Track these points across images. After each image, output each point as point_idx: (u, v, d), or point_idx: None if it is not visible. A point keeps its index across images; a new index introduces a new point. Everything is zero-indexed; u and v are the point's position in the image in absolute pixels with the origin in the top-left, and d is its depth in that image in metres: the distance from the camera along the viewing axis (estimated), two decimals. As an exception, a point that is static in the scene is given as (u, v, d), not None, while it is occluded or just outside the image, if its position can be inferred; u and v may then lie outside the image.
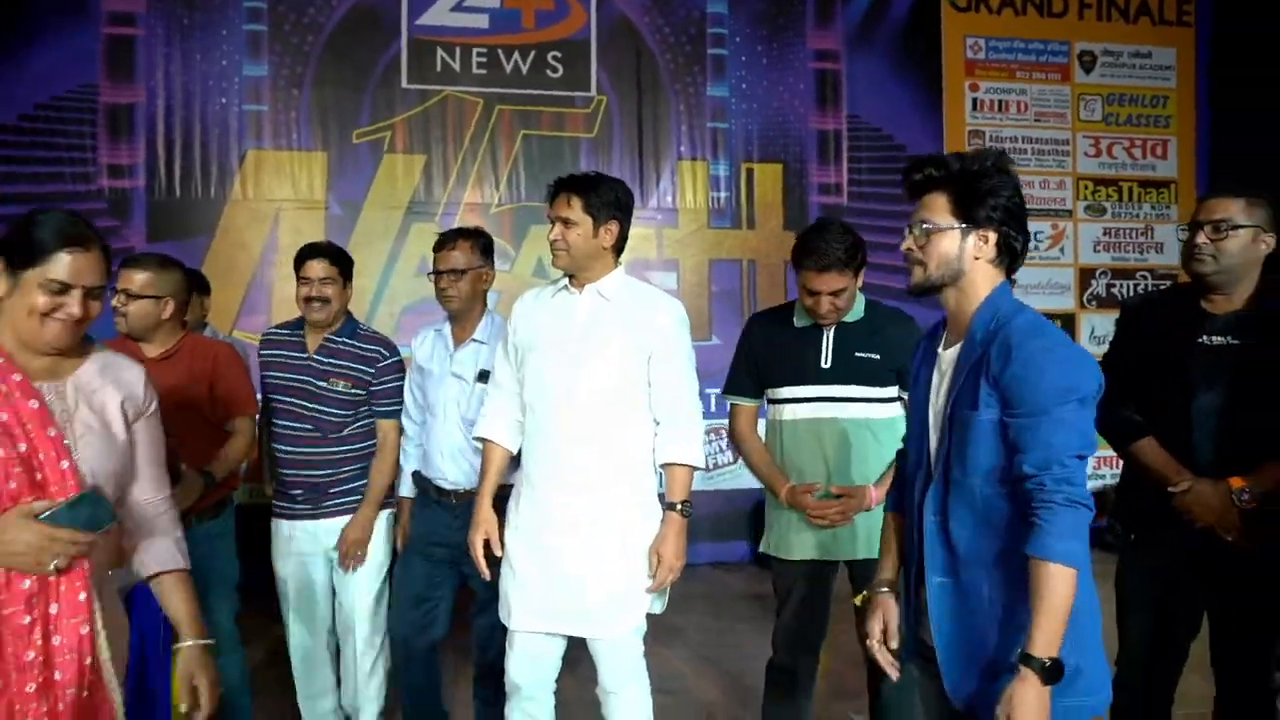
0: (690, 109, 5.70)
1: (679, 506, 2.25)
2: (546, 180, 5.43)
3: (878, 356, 2.48)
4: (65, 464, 1.46)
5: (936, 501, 1.61)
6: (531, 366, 2.31)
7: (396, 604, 2.74)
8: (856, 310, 2.54)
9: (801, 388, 2.51)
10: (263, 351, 2.93)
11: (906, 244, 1.64)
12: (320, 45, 5.26)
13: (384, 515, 2.83)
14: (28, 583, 1.43)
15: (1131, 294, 5.99)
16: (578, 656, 2.39)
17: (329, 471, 2.79)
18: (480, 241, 2.73)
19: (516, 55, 5.48)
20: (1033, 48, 6.15)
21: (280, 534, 2.86)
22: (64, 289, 1.49)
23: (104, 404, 1.58)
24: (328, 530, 2.82)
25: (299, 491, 2.82)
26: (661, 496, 2.31)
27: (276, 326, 3.02)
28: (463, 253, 2.68)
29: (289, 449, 2.82)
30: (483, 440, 2.40)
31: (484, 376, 2.63)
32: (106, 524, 1.47)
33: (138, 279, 2.58)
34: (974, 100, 6.05)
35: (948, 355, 1.65)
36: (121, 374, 1.62)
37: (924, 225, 1.61)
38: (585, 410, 2.23)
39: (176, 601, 1.68)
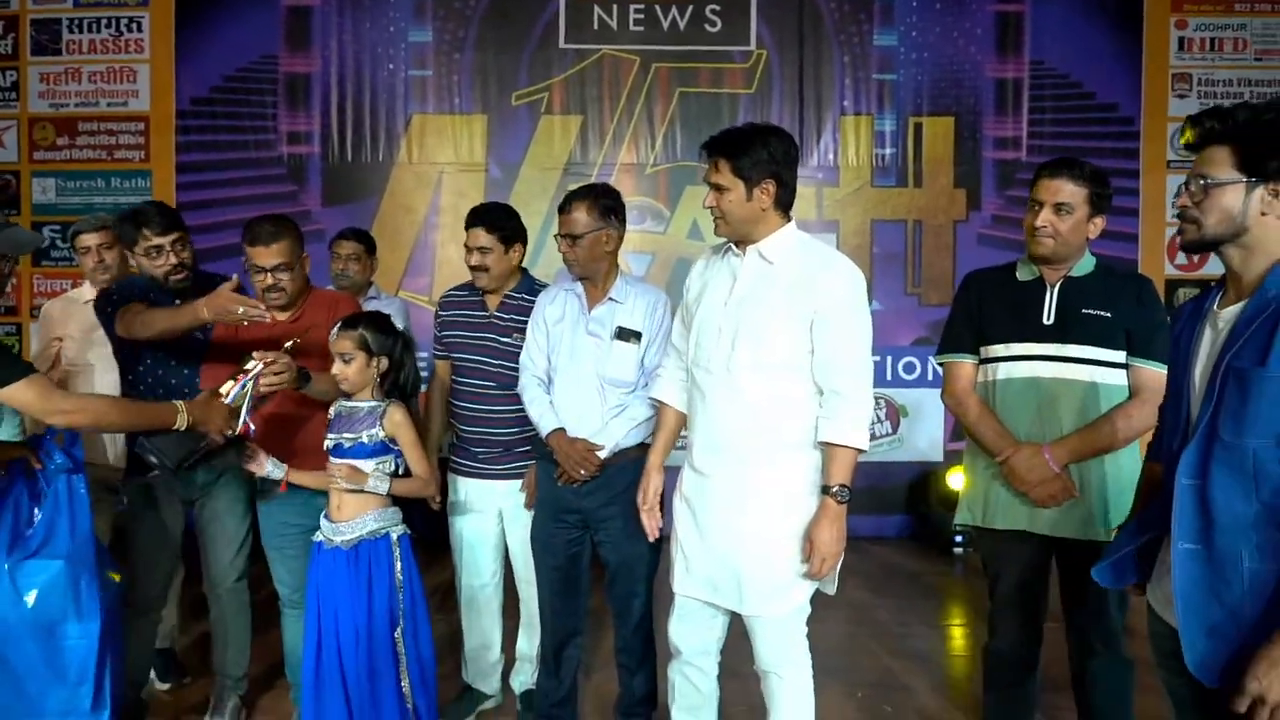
0: (855, 60, 5.40)
1: (835, 490, 2.09)
2: (704, 138, 5.37)
3: (1108, 315, 2.28)
4: None
5: (1193, 464, 1.51)
6: (693, 333, 2.24)
7: (542, 578, 2.74)
8: (1085, 264, 2.35)
9: (1019, 345, 2.33)
10: (442, 312, 2.99)
11: (1181, 200, 1.57)
12: (481, 8, 5.32)
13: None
14: None
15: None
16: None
17: (514, 430, 2.81)
18: (601, 203, 2.63)
19: (674, 10, 5.34)
20: (1256, -25, 5.43)
21: (458, 491, 2.94)
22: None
23: None
24: (504, 492, 2.87)
25: (481, 450, 2.87)
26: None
27: (455, 288, 3.06)
28: (580, 215, 2.60)
29: (473, 406, 2.86)
30: (657, 401, 2.39)
31: (621, 334, 2.58)
32: None
33: (279, 249, 2.57)
34: (1180, 40, 5.41)
35: (1226, 313, 1.56)
36: None
37: (1201, 180, 1.54)
38: (743, 380, 2.12)
39: None
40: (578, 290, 2.68)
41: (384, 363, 2.44)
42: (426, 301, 5.19)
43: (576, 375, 2.60)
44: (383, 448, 2.42)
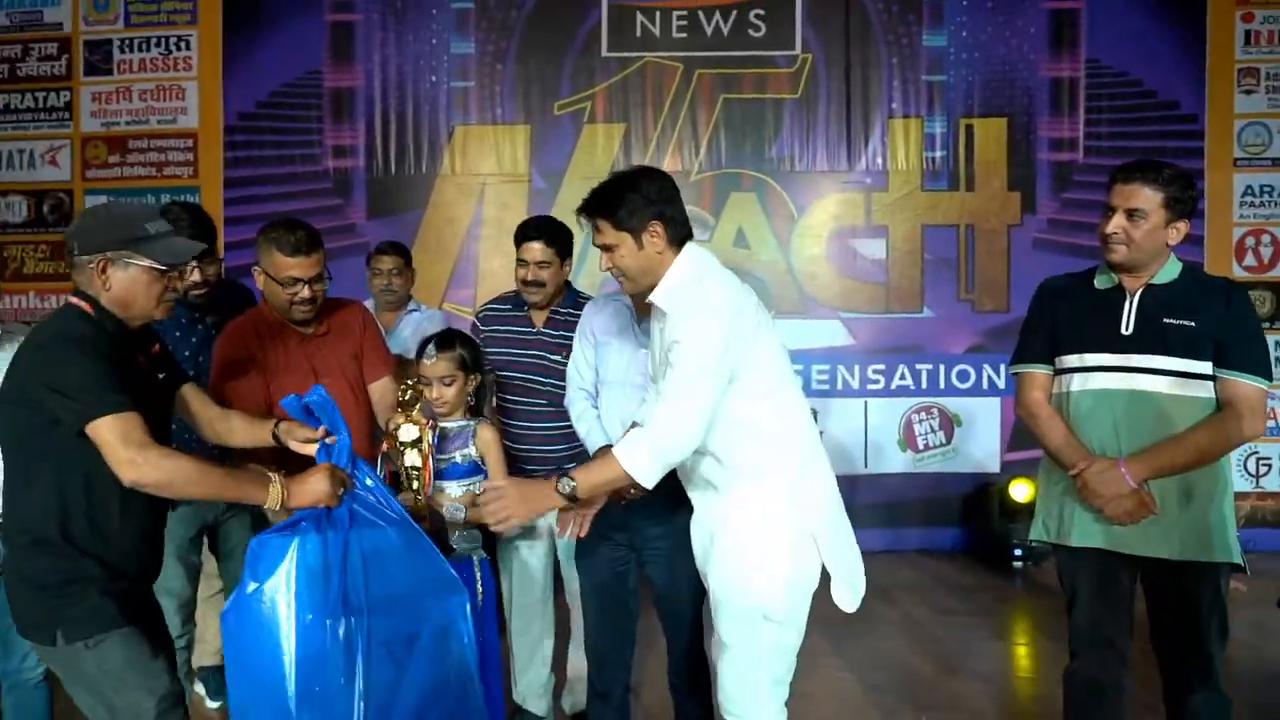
0: (903, 62, 5.27)
1: (572, 486, 1.99)
2: (748, 145, 5.33)
3: (1192, 324, 2.15)
4: None
5: None
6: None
7: (586, 597, 2.67)
8: (1169, 271, 2.23)
9: (1095, 355, 2.23)
10: (483, 328, 2.94)
11: None
12: (523, 18, 5.29)
13: None
14: None
15: None
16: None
17: (567, 447, 2.75)
18: None
19: (718, 16, 5.27)
20: (1330, -39, 5.20)
21: None
22: None
23: None
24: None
25: (533, 467, 2.80)
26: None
27: (493, 301, 3.01)
28: None
29: (525, 425, 2.80)
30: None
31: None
32: None
33: (319, 258, 2.44)
34: (1247, 33, 5.20)
35: None
36: None
37: None
38: None
39: None
40: (627, 301, 2.61)
41: (476, 380, 2.39)
42: (471, 313, 5.16)
43: (626, 389, 2.53)
44: (474, 468, 2.36)
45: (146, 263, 1.91)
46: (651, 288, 2.08)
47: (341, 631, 1.94)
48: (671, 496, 2.42)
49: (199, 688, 3.25)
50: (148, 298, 1.94)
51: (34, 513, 1.88)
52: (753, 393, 2.02)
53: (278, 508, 1.94)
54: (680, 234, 2.07)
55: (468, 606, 2.07)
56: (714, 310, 1.98)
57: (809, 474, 2.08)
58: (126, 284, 1.91)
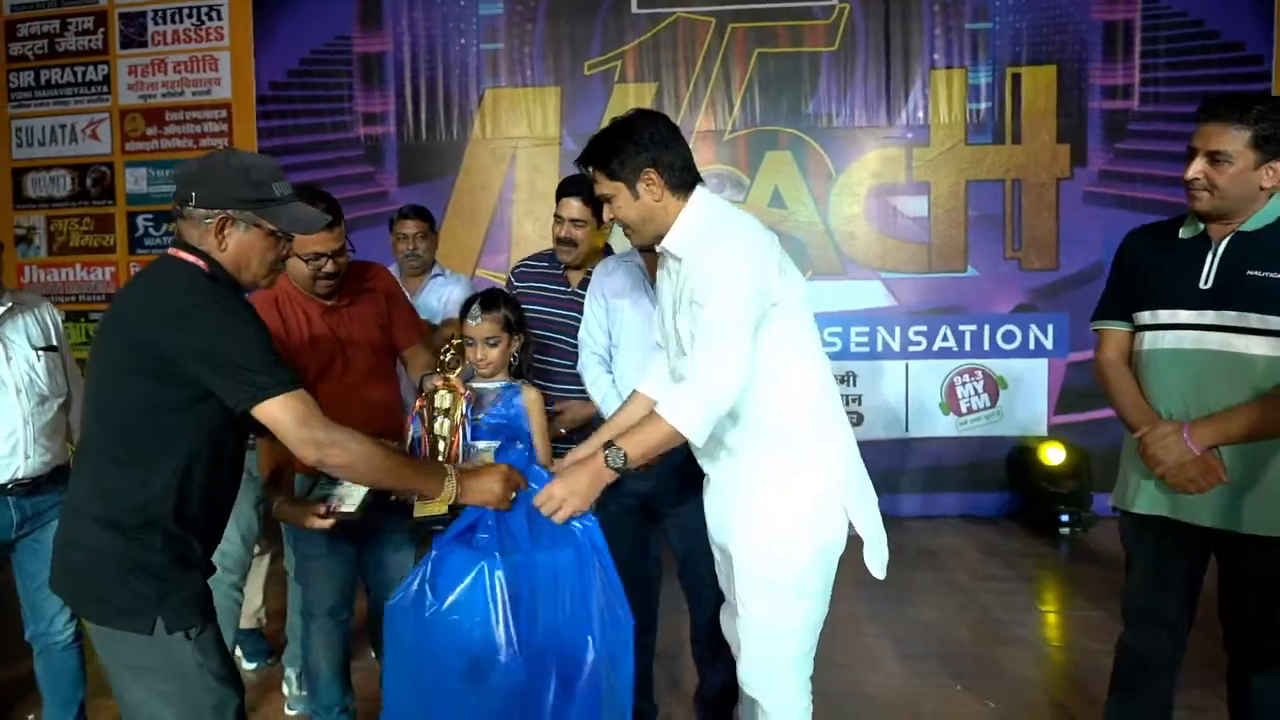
0: (945, 9, 5.05)
1: (622, 456, 1.87)
2: (784, 101, 5.16)
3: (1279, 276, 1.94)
4: None
5: None
6: (669, 351, 2.12)
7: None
8: (1264, 216, 2.00)
9: (1169, 312, 2.06)
10: (518, 283, 2.89)
11: None
12: (552, -24, 5.18)
13: None
14: None
15: None
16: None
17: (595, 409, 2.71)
18: None
19: (750, -33, 5.10)
20: None
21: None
22: None
23: None
24: None
25: (565, 430, 2.76)
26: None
27: (530, 258, 2.96)
28: None
29: (551, 386, 2.77)
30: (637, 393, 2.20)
31: None
32: None
33: (340, 231, 2.37)
34: (1318, -35, 4.89)
35: None
36: None
37: None
38: None
39: None
40: (639, 261, 2.54)
41: (520, 341, 2.36)
42: (504, 279, 5.13)
43: (640, 352, 2.47)
44: (511, 431, 2.32)
45: (270, 227, 1.73)
46: (657, 237, 1.99)
47: (525, 667, 1.83)
48: (692, 465, 2.37)
49: (236, 650, 3.31)
50: (261, 264, 1.76)
51: (151, 492, 1.68)
52: (777, 340, 1.93)
53: (449, 503, 1.85)
54: (682, 179, 1.97)
55: (632, 634, 1.99)
56: (740, 252, 1.88)
57: (828, 434, 2.00)
58: (244, 246, 1.73)
